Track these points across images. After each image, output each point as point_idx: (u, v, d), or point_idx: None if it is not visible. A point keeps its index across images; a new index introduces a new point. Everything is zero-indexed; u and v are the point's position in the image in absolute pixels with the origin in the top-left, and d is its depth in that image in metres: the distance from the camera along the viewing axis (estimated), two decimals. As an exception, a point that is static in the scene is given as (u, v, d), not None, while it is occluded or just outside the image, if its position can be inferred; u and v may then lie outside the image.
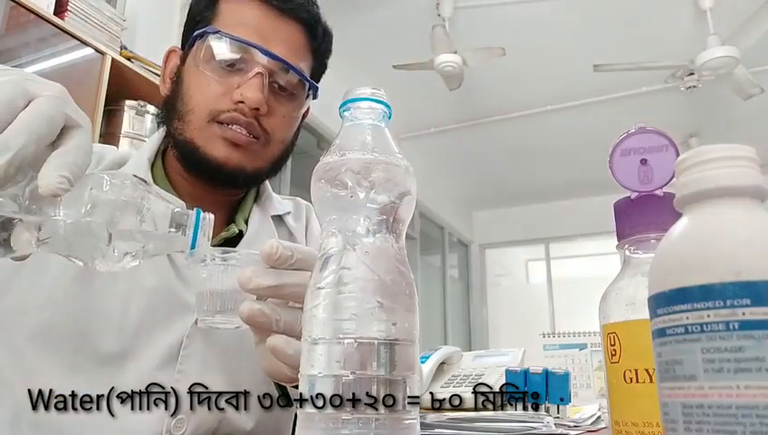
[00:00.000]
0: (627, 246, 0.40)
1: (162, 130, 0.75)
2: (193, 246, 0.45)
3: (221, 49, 0.68)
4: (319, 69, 0.77)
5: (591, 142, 4.23)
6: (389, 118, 0.40)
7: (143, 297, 0.64)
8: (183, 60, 0.73)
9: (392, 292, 0.34)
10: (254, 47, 0.67)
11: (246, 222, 0.75)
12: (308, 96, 0.74)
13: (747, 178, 0.26)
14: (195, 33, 0.70)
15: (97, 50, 1.84)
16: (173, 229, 0.44)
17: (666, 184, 0.39)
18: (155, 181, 0.72)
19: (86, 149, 0.39)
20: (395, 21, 3.31)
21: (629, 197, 0.40)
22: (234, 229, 0.73)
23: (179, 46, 0.76)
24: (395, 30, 3.38)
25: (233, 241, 0.72)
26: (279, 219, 0.81)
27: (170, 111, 0.71)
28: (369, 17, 3.29)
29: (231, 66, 0.68)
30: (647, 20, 3.20)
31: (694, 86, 3.46)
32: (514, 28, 3.30)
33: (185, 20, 0.76)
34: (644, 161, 0.40)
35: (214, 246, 0.70)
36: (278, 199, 0.84)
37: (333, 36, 0.79)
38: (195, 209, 0.46)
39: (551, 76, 3.78)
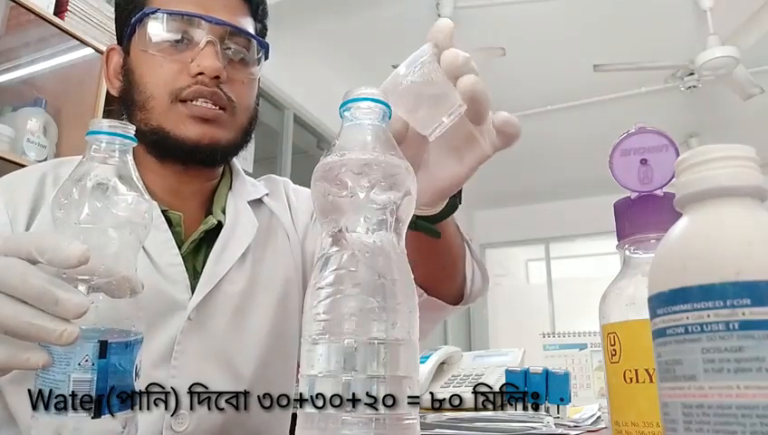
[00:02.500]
0: (627, 246, 0.39)
1: None
2: None
3: (165, 27, 0.66)
4: (262, 31, 0.76)
5: (591, 142, 4.22)
6: (389, 118, 0.40)
7: None
8: (127, 52, 0.71)
9: (392, 292, 0.34)
10: (198, 17, 0.66)
11: (224, 211, 0.74)
12: (260, 57, 0.73)
13: (747, 178, 0.26)
14: (133, 20, 0.68)
15: (97, 50, 1.84)
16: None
17: (666, 184, 0.39)
18: None
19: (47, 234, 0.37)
20: (395, 21, 3.31)
21: (629, 197, 0.40)
22: (212, 221, 0.72)
23: (116, 44, 0.74)
24: (395, 30, 3.37)
25: (212, 232, 0.72)
26: (258, 203, 0.79)
27: (129, 105, 0.69)
28: (369, 17, 3.29)
29: (179, 42, 0.67)
30: (647, 20, 3.20)
31: (694, 86, 3.45)
32: (514, 28, 3.30)
33: (115, 15, 0.74)
34: (644, 161, 0.40)
35: (194, 240, 0.70)
36: (252, 183, 0.82)
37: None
38: None
39: (551, 76, 3.77)
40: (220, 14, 0.68)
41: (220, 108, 0.67)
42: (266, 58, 0.74)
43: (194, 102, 0.66)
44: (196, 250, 0.71)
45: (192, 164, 0.70)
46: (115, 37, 0.76)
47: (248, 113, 0.72)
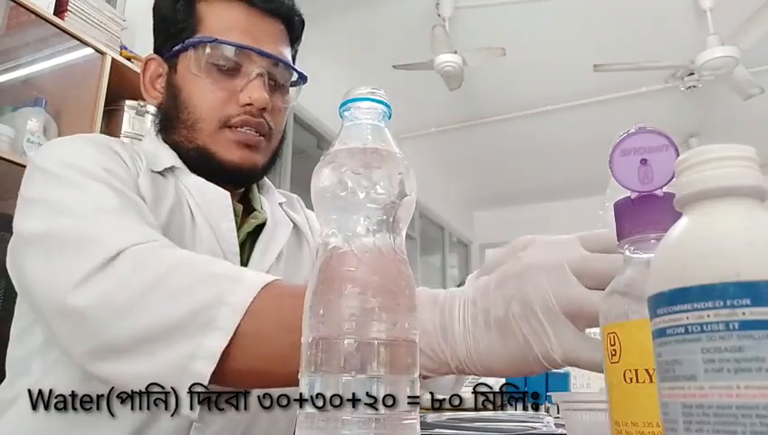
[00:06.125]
0: (627, 246, 0.39)
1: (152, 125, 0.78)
2: None
3: (220, 56, 0.70)
4: (294, 55, 0.80)
5: (591, 142, 4.22)
6: (389, 118, 0.40)
7: None
8: (173, 67, 0.73)
9: (392, 292, 0.34)
10: (253, 50, 0.70)
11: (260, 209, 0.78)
12: (295, 84, 0.77)
13: (747, 178, 0.26)
14: (187, 42, 0.71)
15: (97, 50, 1.84)
16: None
17: (666, 184, 0.39)
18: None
19: None
20: (395, 21, 3.31)
21: (629, 197, 0.40)
22: (262, 216, 0.76)
23: (155, 53, 0.76)
24: (395, 30, 3.38)
25: (257, 227, 0.75)
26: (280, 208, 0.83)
27: (173, 120, 0.72)
28: (369, 17, 3.29)
29: (229, 69, 0.70)
30: (647, 20, 3.20)
31: (694, 86, 3.46)
32: (514, 28, 3.30)
33: (156, 24, 0.76)
34: (644, 161, 0.40)
35: (247, 232, 0.73)
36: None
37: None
38: None
39: (551, 76, 3.77)
40: (268, 44, 0.72)
41: (261, 135, 0.72)
42: (304, 83, 0.78)
43: (240, 129, 0.70)
44: (241, 243, 0.74)
45: (227, 184, 0.74)
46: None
47: (279, 136, 0.77)
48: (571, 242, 0.41)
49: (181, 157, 0.72)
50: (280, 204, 0.82)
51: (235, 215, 0.72)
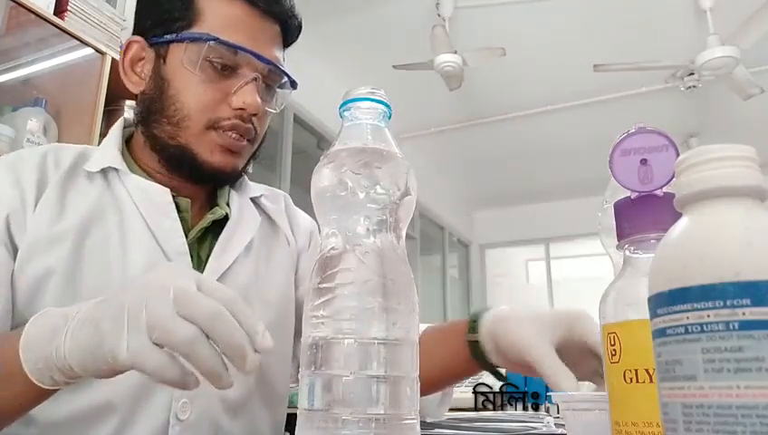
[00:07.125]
0: (627, 246, 0.39)
1: (121, 121, 0.76)
2: None
3: (218, 55, 0.67)
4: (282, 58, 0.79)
5: (591, 142, 4.22)
6: (389, 118, 0.40)
7: None
8: (162, 57, 0.70)
9: (392, 292, 0.34)
10: (252, 54, 0.68)
11: (228, 205, 0.75)
12: (282, 87, 0.75)
13: (747, 178, 0.26)
14: (184, 35, 0.68)
15: (97, 50, 1.84)
16: None
17: (666, 184, 0.39)
18: (130, 170, 0.70)
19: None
20: (395, 21, 3.31)
21: (629, 197, 0.40)
22: (220, 212, 0.73)
23: (138, 33, 0.73)
24: (395, 30, 3.38)
25: (216, 223, 0.72)
26: (257, 203, 0.80)
27: (156, 113, 0.70)
28: (369, 17, 3.29)
29: (225, 70, 0.68)
30: (647, 20, 3.20)
31: (694, 86, 3.46)
32: (514, 28, 3.30)
33: (144, 5, 0.73)
34: (644, 161, 0.40)
35: (202, 228, 0.71)
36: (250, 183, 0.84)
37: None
38: None
39: (551, 76, 3.78)
40: (265, 47, 0.70)
41: (247, 140, 0.70)
42: (293, 89, 0.76)
43: (227, 132, 0.68)
44: (201, 239, 0.72)
45: (203, 184, 0.73)
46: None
47: (260, 138, 0.75)
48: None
49: (158, 151, 0.70)
50: (255, 197, 0.80)
51: (181, 211, 0.70)
